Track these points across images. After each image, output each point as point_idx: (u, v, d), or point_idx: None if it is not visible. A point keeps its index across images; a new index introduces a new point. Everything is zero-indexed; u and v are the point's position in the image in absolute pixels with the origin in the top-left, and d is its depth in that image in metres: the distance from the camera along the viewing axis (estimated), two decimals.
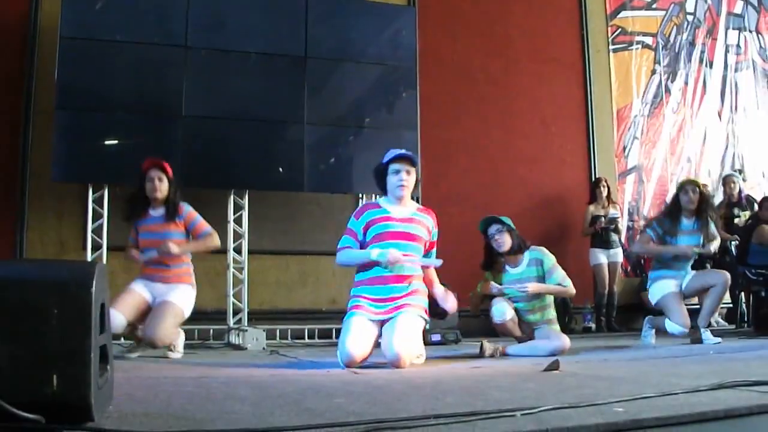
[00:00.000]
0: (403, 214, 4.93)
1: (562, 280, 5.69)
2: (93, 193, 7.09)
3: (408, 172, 4.89)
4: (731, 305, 9.66)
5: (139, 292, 5.59)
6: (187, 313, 5.64)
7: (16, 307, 2.03)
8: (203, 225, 5.82)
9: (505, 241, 5.65)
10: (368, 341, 4.60)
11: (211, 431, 1.98)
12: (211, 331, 7.49)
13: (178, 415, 2.34)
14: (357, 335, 4.59)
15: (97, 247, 7.06)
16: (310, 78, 7.77)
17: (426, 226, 5.01)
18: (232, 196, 7.51)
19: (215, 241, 5.83)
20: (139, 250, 5.77)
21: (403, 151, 4.95)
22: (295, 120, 7.66)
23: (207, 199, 6.99)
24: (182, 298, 5.62)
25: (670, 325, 6.34)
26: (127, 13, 7.28)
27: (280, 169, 7.62)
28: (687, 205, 6.57)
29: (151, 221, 5.75)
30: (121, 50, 7.19)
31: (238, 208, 7.55)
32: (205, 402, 2.76)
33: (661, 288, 6.56)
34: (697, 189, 6.60)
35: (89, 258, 6.92)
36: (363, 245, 4.88)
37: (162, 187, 5.72)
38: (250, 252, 7.50)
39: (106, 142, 7.18)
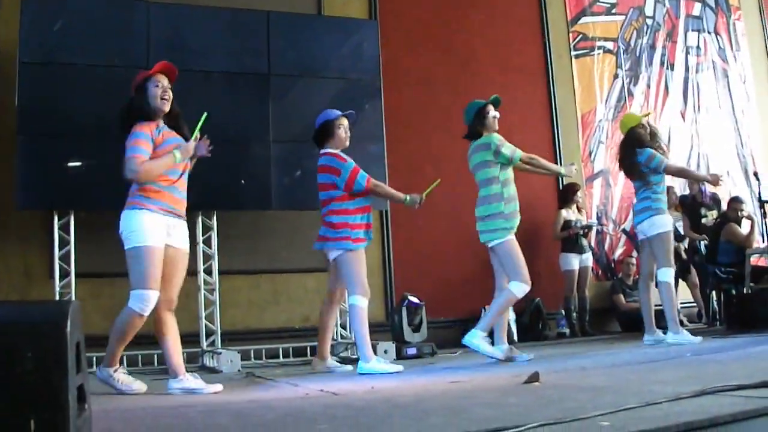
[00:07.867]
0: None
1: None
2: (59, 220, 6.96)
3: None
4: (693, 304, 9.83)
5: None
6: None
7: None
8: None
9: None
10: None
11: None
12: (185, 354, 7.29)
13: None
14: None
15: (64, 274, 6.89)
16: (274, 94, 7.73)
17: None
18: (200, 218, 7.43)
19: None
20: None
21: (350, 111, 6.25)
22: (261, 137, 7.62)
23: None
24: None
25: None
26: (87, 35, 7.14)
27: (242, 181, 7.56)
28: None
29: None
30: (81, 73, 7.06)
31: (206, 229, 7.47)
32: None
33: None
34: None
35: (57, 286, 6.78)
36: None
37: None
38: (220, 273, 7.42)
39: (70, 167, 7.05)
